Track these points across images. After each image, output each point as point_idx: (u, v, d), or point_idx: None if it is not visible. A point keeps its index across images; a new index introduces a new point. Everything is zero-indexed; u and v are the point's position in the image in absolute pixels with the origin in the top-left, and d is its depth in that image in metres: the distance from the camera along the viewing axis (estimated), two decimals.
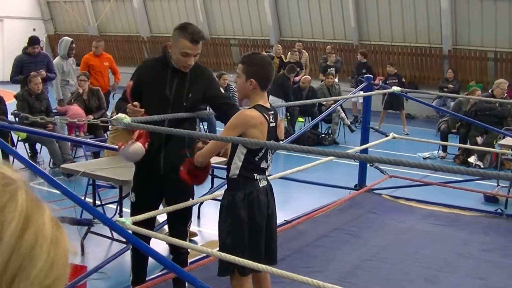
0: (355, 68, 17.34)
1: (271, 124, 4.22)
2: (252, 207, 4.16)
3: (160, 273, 5.55)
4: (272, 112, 4.27)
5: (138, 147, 4.49)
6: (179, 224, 4.93)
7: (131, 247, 5.10)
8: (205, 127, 13.75)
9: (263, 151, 4.17)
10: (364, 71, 15.16)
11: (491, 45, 18.00)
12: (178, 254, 4.97)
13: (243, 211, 4.15)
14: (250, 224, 4.16)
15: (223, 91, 5.00)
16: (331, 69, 16.74)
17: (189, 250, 6.02)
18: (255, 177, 4.19)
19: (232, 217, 4.19)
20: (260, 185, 4.22)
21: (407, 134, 14.42)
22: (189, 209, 5.02)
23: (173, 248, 4.99)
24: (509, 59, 17.80)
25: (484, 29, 18.01)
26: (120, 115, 4.12)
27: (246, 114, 4.13)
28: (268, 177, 4.46)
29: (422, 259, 6.32)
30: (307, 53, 18.41)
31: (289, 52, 17.21)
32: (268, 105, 4.27)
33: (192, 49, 4.61)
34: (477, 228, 7.47)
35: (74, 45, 12.27)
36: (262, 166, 4.21)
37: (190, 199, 5.01)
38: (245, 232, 4.16)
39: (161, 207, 5.23)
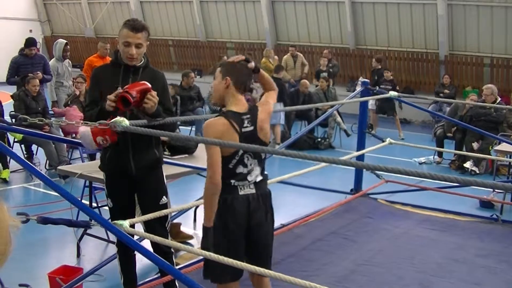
0: (371, 74, 17.10)
1: (245, 129, 4.09)
2: (225, 214, 4.07)
3: (155, 276, 5.56)
4: (248, 116, 4.14)
5: (83, 130, 4.58)
6: (158, 226, 4.86)
7: (117, 249, 5.10)
8: (193, 128, 13.82)
9: (236, 157, 4.07)
10: (376, 78, 15.15)
11: (487, 51, 18.04)
12: (161, 254, 4.95)
13: (217, 220, 4.07)
14: (224, 231, 4.09)
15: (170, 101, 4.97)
16: (324, 73, 16.81)
17: (185, 252, 6.04)
18: (233, 183, 4.08)
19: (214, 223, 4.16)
20: (241, 193, 4.10)
21: (403, 139, 14.43)
22: (164, 208, 4.96)
23: (155, 248, 4.95)
24: (505, 65, 17.84)
25: (480, 35, 18.06)
26: (118, 118, 4.12)
27: (207, 125, 4.03)
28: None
29: (417, 264, 6.33)
30: (301, 55, 18.41)
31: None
32: (243, 109, 4.14)
33: (132, 37, 4.63)
34: (472, 233, 7.48)
35: (68, 47, 12.27)
36: (239, 171, 4.08)
37: (164, 197, 4.98)
38: (220, 240, 4.08)
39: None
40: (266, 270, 3.72)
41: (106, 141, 4.51)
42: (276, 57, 18.06)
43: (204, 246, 4.04)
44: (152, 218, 4.71)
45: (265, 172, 4.32)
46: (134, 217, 4.81)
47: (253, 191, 4.15)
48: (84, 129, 4.67)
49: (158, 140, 4.93)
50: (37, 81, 10.45)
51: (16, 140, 10.29)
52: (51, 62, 12.13)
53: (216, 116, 4.16)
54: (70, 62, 12.49)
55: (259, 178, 4.21)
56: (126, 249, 4.95)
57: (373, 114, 15.77)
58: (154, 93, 4.42)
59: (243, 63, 4.28)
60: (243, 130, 4.09)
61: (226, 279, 4.21)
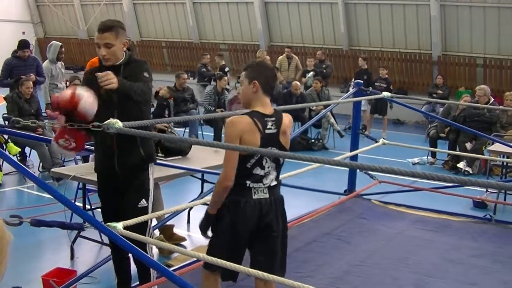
0: (356, 74, 17.11)
1: (268, 131, 4.12)
2: (236, 217, 4.10)
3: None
4: (273, 118, 4.17)
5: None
6: (136, 230, 4.77)
7: (110, 250, 5.09)
8: (187, 130, 13.80)
9: (255, 157, 4.09)
10: (365, 77, 15.15)
11: (480, 51, 18.09)
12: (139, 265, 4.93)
13: (226, 217, 4.12)
14: (232, 233, 4.12)
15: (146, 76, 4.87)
16: (310, 73, 16.82)
17: (178, 254, 6.02)
18: (248, 185, 4.10)
19: (218, 221, 4.20)
20: (254, 196, 4.12)
21: (384, 139, 14.41)
22: (143, 211, 4.87)
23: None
24: (497, 65, 17.90)
25: (473, 35, 18.10)
26: (111, 120, 4.09)
27: (230, 122, 4.09)
28: None
29: (411, 264, 6.34)
30: (297, 58, 18.40)
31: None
32: (268, 111, 4.18)
33: (99, 38, 4.67)
34: (466, 233, 7.50)
35: (63, 49, 12.23)
36: (255, 172, 4.11)
37: (143, 200, 4.91)
38: (226, 240, 4.13)
39: None
40: (261, 272, 3.72)
41: (69, 144, 4.35)
42: (268, 57, 18.08)
43: (202, 229, 4.26)
44: (130, 221, 4.56)
45: (279, 178, 4.33)
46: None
47: (267, 196, 4.17)
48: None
49: (144, 139, 4.85)
50: (31, 83, 10.42)
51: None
52: (44, 64, 12.08)
53: (242, 114, 4.18)
54: (63, 64, 12.45)
55: (274, 183, 4.23)
56: (120, 251, 4.94)
57: (363, 113, 15.79)
58: (105, 72, 4.42)
59: (263, 63, 4.35)
60: (266, 131, 4.12)
61: (222, 276, 4.26)
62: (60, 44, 12.12)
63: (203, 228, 4.29)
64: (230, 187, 4.07)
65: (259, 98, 4.18)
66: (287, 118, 4.29)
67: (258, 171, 4.12)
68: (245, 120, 4.10)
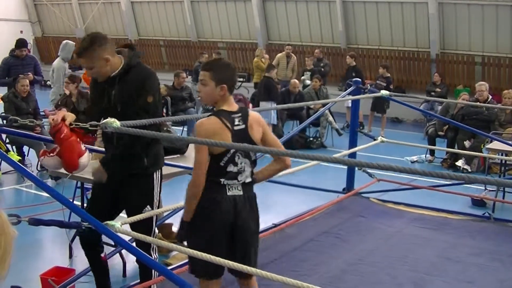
0: (345, 72, 17.31)
1: (237, 127, 4.12)
2: (212, 214, 4.10)
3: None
4: (239, 114, 4.18)
5: (48, 161, 4.58)
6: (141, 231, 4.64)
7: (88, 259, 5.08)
8: (185, 129, 13.80)
9: (228, 155, 4.08)
10: (354, 75, 15.15)
11: (479, 49, 18.10)
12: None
13: (201, 215, 4.12)
14: (209, 230, 4.11)
15: (149, 100, 4.69)
16: (308, 72, 16.83)
17: (176, 252, 6.01)
18: (222, 182, 4.10)
19: (195, 220, 4.18)
20: (229, 193, 4.12)
21: (383, 137, 14.43)
22: (147, 218, 4.80)
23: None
24: (496, 64, 17.91)
25: (472, 33, 18.12)
26: (109, 119, 4.09)
27: (199, 124, 4.09)
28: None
29: (410, 263, 6.33)
30: (295, 57, 18.40)
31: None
32: (234, 108, 4.19)
33: (80, 61, 4.66)
34: (465, 232, 7.49)
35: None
36: (229, 169, 4.10)
37: (148, 206, 4.82)
38: (203, 237, 4.12)
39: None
40: (259, 270, 3.73)
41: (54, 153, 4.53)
42: (266, 55, 18.07)
43: (179, 239, 4.32)
44: (138, 225, 4.62)
45: (254, 176, 4.31)
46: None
47: (241, 192, 4.17)
48: (47, 162, 4.72)
49: (147, 147, 4.75)
50: (27, 81, 10.39)
51: (7, 141, 10.26)
52: (57, 63, 12.02)
53: (208, 116, 4.18)
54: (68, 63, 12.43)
55: (248, 179, 4.23)
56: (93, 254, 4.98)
57: (348, 111, 15.89)
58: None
59: (226, 62, 4.35)
60: (235, 127, 4.12)
61: (207, 275, 4.24)
62: (74, 43, 12.07)
63: (181, 237, 4.34)
64: (200, 192, 4.08)
65: (225, 98, 4.18)
66: (253, 113, 4.30)
67: (231, 168, 4.12)
68: (213, 121, 4.11)
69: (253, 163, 4.28)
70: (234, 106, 4.22)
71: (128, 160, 4.69)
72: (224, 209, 4.09)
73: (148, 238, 4.22)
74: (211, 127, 4.07)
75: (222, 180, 4.11)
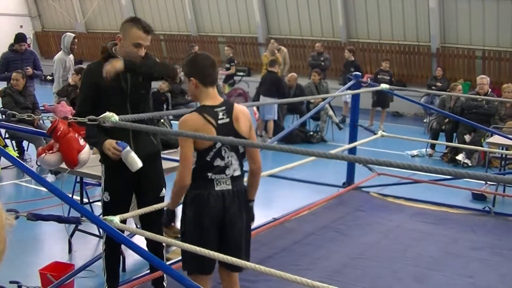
0: (343, 66, 17.32)
1: (221, 121, 4.10)
2: (200, 210, 4.09)
3: (147, 271, 5.53)
4: (223, 107, 4.15)
5: (49, 158, 4.51)
6: (158, 219, 4.83)
7: (104, 246, 5.07)
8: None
9: (214, 149, 4.07)
10: (352, 69, 15.13)
11: (479, 43, 18.06)
12: (153, 246, 4.94)
13: (190, 211, 4.12)
14: (198, 226, 4.10)
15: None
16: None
17: (174, 248, 6.00)
18: (210, 177, 4.08)
19: (184, 216, 4.19)
20: (217, 188, 4.10)
21: (383, 131, 14.44)
22: (163, 201, 5.03)
23: (149, 244, 4.96)
24: (496, 57, 17.87)
25: (472, 27, 18.07)
26: (108, 113, 4.08)
27: (182, 121, 4.09)
28: None
29: (410, 257, 6.32)
30: (285, 50, 18.31)
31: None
32: (216, 102, 4.17)
33: (144, 39, 4.71)
34: (465, 226, 7.48)
35: (76, 40, 12.12)
36: (216, 164, 4.09)
37: (164, 189, 5.05)
38: (194, 233, 4.11)
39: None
40: (256, 265, 3.72)
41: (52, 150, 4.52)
42: (283, 48, 18.10)
43: (164, 224, 4.47)
44: (153, 211, 4.82)
45: (244, 169, 4.31)
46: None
47: (229, 187, 4.15)
48: (45, 161, 4.63)
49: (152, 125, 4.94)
50: (20, 75, 10.31)
51: (6, 136, 10.25)
52: (58, 56, 11.99)
53: (190, 112, 4.18)
54: (72, 56, 12.36)
55: (237, 173, 4.20)
56: (114, 249, 4.97)
57: (345, 106, 15.92)
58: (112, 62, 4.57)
59: (194, 56, 4.35)
60: (219, 121, 4.10)
61: (197, 271, 4.25)
62: (74, 35, 12.04)
63: (164, 223, 4.50)
64: (187, 186, 4.09)
65: (203, 91, 4.17)
66: (239, 106, 4.28)
67: (218, 162, 4.10)
68: (195, 117, 4.09)
69: (242, 156, 4.26)
70: (217, 100, 4.19)
71: (146, 140, 4.89)
72: (212, 204, 4.08)
73: (146, 233, 4.21)
74: (193, 124, 4.04)
75: (209, 174, 4.09)
